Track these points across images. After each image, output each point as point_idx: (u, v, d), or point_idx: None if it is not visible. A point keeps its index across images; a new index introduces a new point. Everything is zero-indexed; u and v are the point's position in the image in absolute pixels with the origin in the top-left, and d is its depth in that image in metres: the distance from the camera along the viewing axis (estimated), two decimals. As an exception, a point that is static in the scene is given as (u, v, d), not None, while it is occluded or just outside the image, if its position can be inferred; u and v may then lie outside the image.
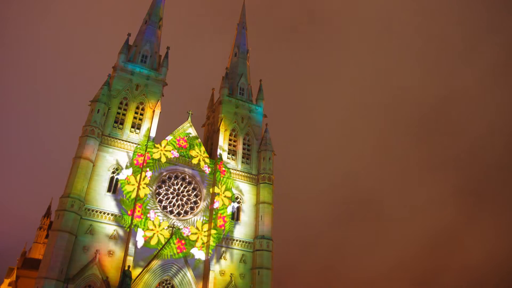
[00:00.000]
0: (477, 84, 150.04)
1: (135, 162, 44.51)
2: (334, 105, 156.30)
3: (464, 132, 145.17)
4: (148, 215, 42.90)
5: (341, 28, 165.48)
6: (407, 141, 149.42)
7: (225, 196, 47.09)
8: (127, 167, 44.00)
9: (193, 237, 44.18)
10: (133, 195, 43.07)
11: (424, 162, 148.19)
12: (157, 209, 43.90)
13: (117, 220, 41.51)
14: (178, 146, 47.76)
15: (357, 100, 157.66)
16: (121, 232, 41.19)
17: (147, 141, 45.94)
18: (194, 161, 48.00)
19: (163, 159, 46.27)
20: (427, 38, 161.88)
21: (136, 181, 43.72)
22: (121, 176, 43.43)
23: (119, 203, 42.27)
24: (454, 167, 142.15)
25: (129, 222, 41.74)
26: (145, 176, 44.30)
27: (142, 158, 44.92)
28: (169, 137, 47.76)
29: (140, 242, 41.34)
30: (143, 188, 43.62)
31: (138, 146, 45.39)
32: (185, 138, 48.62)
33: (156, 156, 45.95)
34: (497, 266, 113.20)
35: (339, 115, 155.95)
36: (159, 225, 43.02)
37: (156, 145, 46.50)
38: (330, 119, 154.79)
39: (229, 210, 46.69)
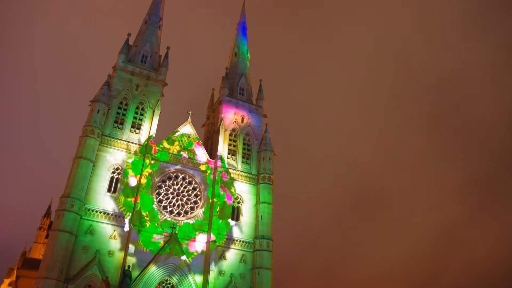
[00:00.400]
0: (478, 83, 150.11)
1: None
2: (334, 105, 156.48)
3: (467, 130, 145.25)
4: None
5: (341, 27, 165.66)
6: (407, 141, 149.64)
7: (225, 198, 47.12)
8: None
9: (191, 238, 44.20)
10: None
11: (424, 162, 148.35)
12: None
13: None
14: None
15: (357, 100, 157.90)
16: (121, 232, 41.21)
17: (148, 140, 45.94)
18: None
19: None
20: (427, 38, 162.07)
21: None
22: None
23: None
24: (454, 166, 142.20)
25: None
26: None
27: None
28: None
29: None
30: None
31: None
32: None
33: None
34: (498, 264, 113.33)
35: (339, 115, 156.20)
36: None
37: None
38: (330, 119, 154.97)
39: (228, 213, 46.73)
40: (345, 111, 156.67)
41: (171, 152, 47.03)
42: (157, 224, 42.96)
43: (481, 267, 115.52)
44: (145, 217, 42.63)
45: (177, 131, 48.60)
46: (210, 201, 46.72)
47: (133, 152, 44.97)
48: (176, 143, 47.86)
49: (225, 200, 47.18)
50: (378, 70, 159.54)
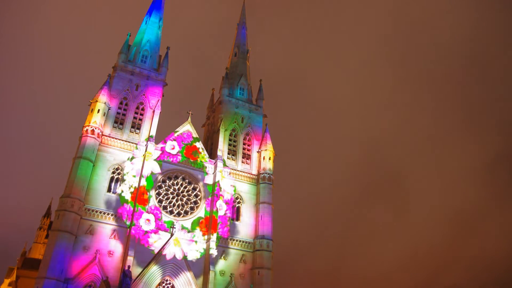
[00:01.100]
0: (478, 83, 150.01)
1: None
2: (334, 104, 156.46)
3: (468, 129, 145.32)
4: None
5: (341, 27, 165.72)
6: (407, 141, 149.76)
7: (225, 198, 47.12)
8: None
9: (191, 237, 44.18)
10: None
11: (425, 162, 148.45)
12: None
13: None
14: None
15: (357, 100, 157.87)
16: (121, 232, 41.23)
17: (148, 140, 45.90)
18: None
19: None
20: (427, 38, 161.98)
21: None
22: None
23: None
24: (457, 167, 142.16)
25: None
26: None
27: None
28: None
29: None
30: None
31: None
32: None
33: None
34: (496, 264, 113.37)
35: (340, 115, 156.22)
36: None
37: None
38: (330, 119, 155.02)
39: (228, 212, 46.74)
40: (345, 110, 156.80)
41: (171, 152, 46.98)
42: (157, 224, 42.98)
43: (481, 266, 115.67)
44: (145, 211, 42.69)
45: (177, 131, 48.55)
46: (210, 201, 46.69)
47: (133, 151, 44.95)
48: (176, 143, 47.82)
49: (226, 197, 47.12)
50: (378, 70, 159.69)
